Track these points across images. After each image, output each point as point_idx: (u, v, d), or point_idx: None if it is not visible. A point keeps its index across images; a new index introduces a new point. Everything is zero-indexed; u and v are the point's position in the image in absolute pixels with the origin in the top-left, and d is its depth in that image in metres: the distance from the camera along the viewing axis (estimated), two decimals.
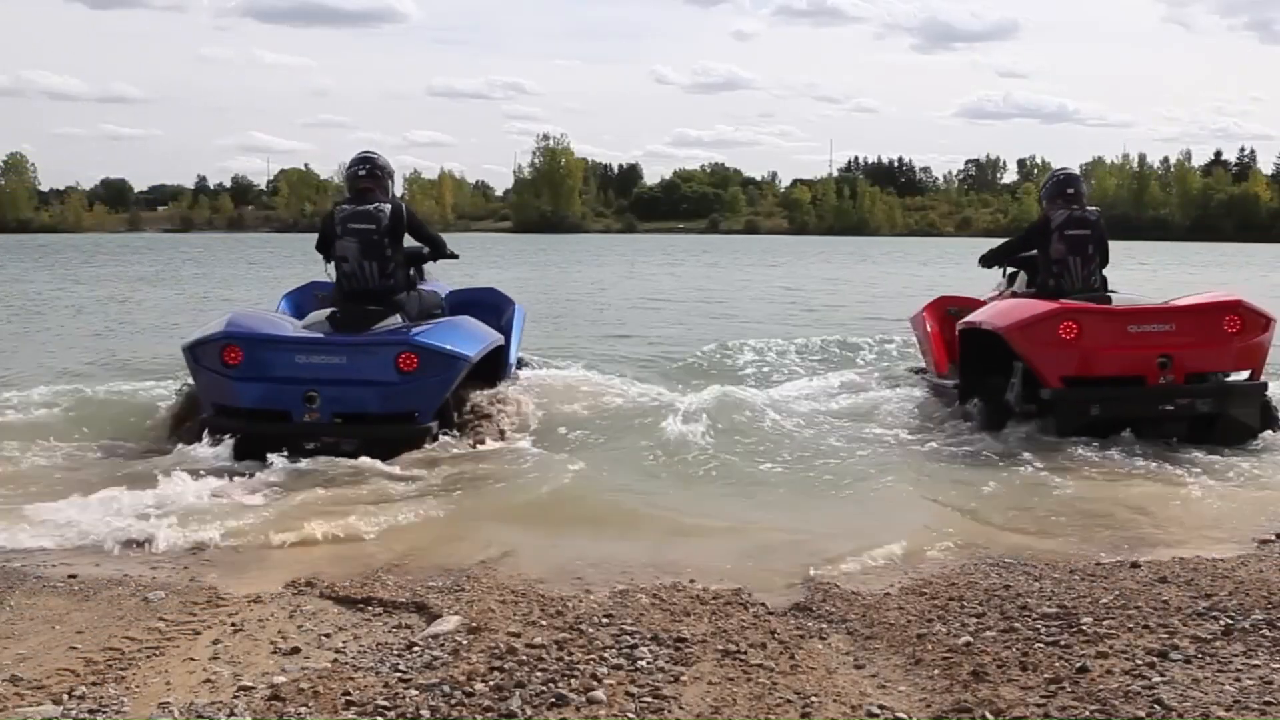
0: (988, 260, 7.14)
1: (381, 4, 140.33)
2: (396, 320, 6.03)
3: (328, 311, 6.09)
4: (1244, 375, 6.15)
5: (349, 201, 6.24)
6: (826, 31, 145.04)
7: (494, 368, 6.49)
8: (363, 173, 6.26)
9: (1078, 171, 7.15)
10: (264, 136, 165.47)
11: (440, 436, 5.65)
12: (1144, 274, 25.48)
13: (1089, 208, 6.66)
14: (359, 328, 5.82)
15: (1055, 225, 6.58)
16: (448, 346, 5.68)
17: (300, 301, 6.86)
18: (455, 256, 6.75)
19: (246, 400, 5.55)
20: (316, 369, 5.51)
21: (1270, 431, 5.97)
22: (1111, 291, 6.72)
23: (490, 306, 7.04)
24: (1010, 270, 7.19)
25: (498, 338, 6.43)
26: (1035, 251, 6.76)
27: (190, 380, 5.93)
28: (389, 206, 6.17)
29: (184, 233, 73.66)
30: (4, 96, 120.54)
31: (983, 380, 6.50)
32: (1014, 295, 6.87)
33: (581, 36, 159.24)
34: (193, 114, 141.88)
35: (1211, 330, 6.01)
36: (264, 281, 20.28)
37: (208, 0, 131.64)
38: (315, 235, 6.47)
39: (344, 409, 5.54)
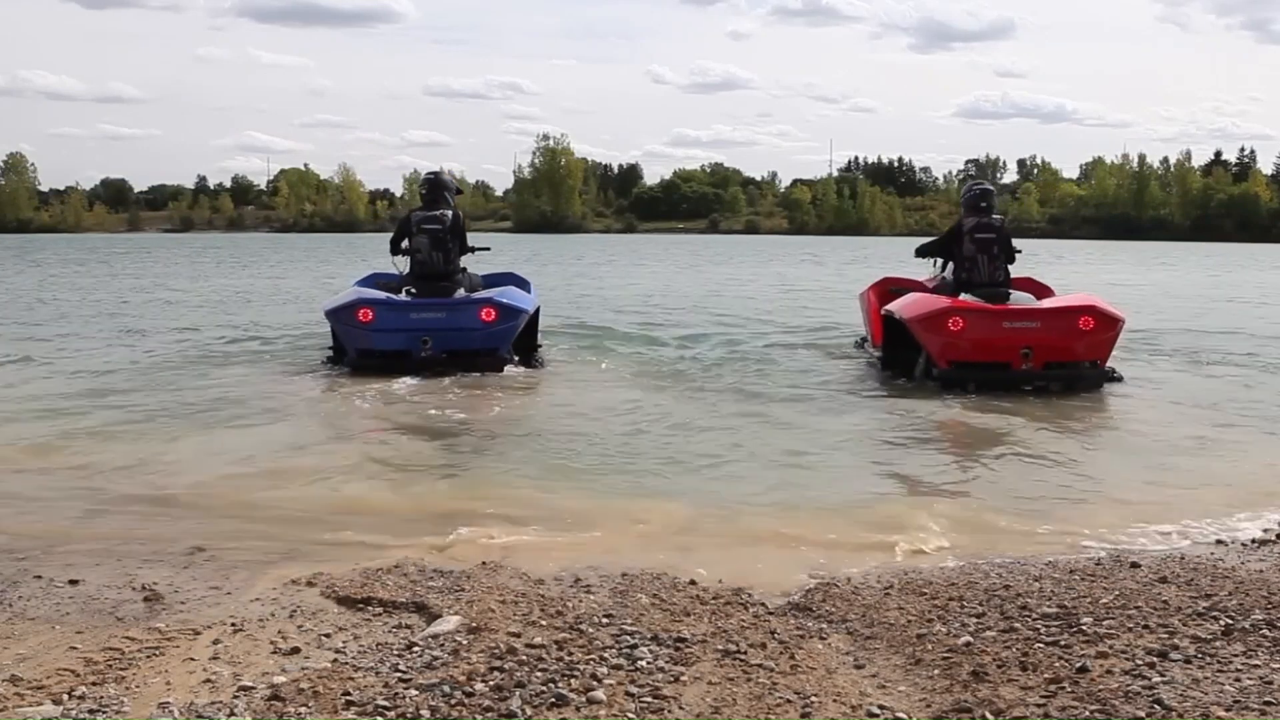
0: (921, 253, 8.76)
1: (378, 4, 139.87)
2: (461, 293, 8.49)
3: (404, 288, 8.54)
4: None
5: (421, 209, 8.72)
6: (823, 31, 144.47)
7: (533, 326, 8.96)
8: (427, 189, 8.84)
9: (991, 188, 8.89)
10: (262, 136, 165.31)
11: (511, 360, 8.34)
12: (1086, 272, 25.52)
13: (994, 216, 8.35)
14: (432, 296, 8.33)
15: (967, 230, 8.24)
16: (515, 303, 8.38)
17: (366, 285, 9.06)
18: (487, 249, 9.21)
19: (380, 345, 8.12)
20: (427, 321, 8.12)
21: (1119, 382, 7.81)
22: (1048, 288, 8.73)
23: (514, 283, 9.23)
24: (942, 260, 8.62)
25: (538, 302, 9.13)
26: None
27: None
28: (451, 212, 8.66)
29: (184, 233, 73.59)
30: (1, 96, 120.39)
31: (903, 354, 8.12)
32: (943, 281, 8.44)
33: (577, 36, 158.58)
34: (191, 114, 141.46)
35: (1068, 328, 7.58)
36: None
37: (203, 0, 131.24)
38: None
39: (448, 348, 8.09)
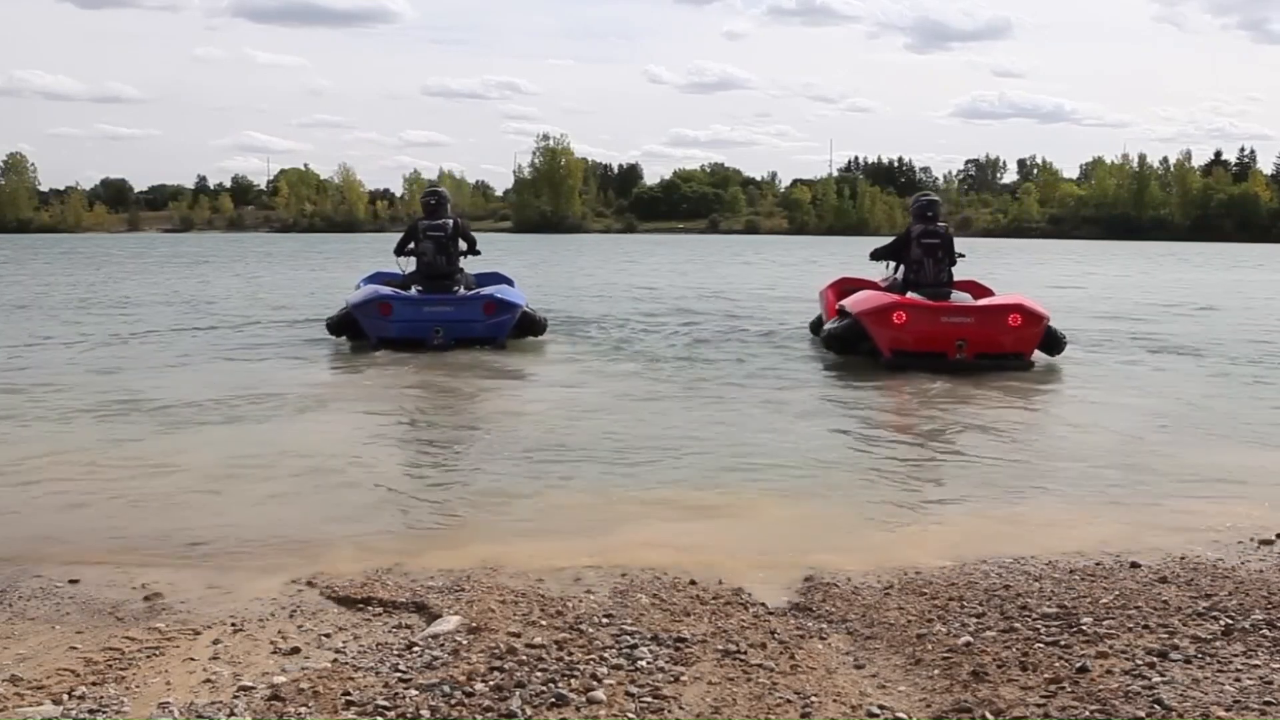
0: (875, 256, 9.82)
1: (374, 3, 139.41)
2: (460, 290, 10.07)
3: (412, 285, 10.11)
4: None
5: (426, 217, 10.25)
6: (819, 31, 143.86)
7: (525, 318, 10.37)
8: (434, 200, 10.35)
9: (937, 198, 10.16)
10: (261, 136, 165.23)
11: (505, 345, 9.79)
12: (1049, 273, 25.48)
13: (939, 224, 9.45)
14: (439, 294, 9.89)
15: (914, 236, 9.36)
16: (511, 299, 10.05)
17: (373, 283, 10.59)
18: (479, 253, 10.51)
19: (399, 333, 9.58)
20: (437, 314, 9.65)
21: (1059, 353, 8.99)
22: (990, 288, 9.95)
23: (499, 280, 10.91)
24: (894, 263, 9.62)
25: (525, 297, 10.71)
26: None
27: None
28: (452, 221, 10.29)
29: (184, 233, 73.56)
30: None
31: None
32: (894, 281, 9.47)
33: (574, 36, 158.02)
34: (189, 114, 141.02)
35: (998, 323, 8.68)
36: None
37: (199, 0, 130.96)
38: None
39: (456, 336, 9.58)
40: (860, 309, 8.90)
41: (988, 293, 9.81)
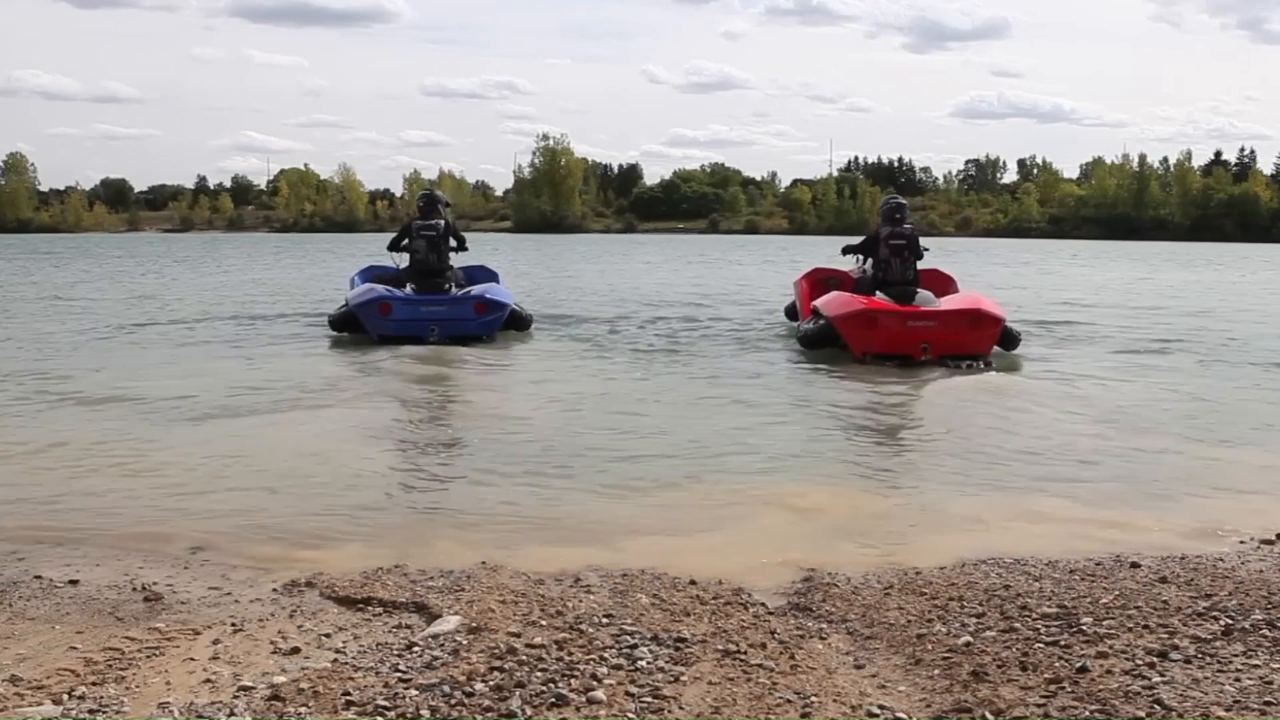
0: (846, 251, 10.69)
1: (372, 3, 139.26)
2: (450, 286, 10.96)
3: (406, 283, 10.96)
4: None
5: (419, 217, 11.09)
6: (817, 31, 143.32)
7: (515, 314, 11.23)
8: (424, 202, 11.26)
9: (903, 200, 10.69)
10: (259, 136, 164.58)
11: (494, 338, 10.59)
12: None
13: (905, 225, 10.18)
14: (432, 291, 10.77)
15: (882, 237, 10.14)
16: (500, 299, 10.82)
17: (366, 278, 11.54)
18: (466, 249, 11.36)
19: (397, 331, 10.26)
20: (433, 313, 10.41)
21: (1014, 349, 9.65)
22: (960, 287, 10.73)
23: (485, 275, 11.86)
24: (864, 258, 10.41)
25: (510, 291, 11.64)
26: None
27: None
28: (443, 221, 11.07)
29: (184, 232, 73.57)
30: None
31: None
32: (864, 275, 10.29)
33: (571, 36, 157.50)
34: (188, 114, 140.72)
35: (958, 326, 9.35)
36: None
37: (196, 0, 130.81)
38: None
39: (451, 334, 10.27)
40: (833, 313, 9.61)
41: (948, 280, 10.70)
